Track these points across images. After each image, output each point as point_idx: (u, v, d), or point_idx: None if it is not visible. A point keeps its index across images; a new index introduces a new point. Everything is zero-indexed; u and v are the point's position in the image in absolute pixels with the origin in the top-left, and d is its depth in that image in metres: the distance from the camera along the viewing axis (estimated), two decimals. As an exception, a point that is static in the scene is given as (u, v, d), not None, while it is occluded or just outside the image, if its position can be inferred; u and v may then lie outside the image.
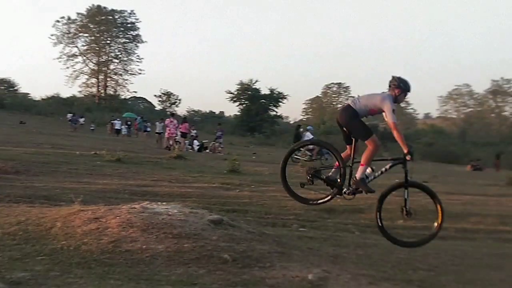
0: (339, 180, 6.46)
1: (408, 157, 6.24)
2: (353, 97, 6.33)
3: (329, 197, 6.54)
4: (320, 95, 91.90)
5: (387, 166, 6.49)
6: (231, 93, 67.47)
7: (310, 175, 6.59)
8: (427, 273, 5.79)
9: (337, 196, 6.53)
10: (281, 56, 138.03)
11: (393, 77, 6.49)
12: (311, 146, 22.41)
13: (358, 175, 6.39)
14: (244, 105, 67.19)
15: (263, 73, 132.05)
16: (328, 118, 72.73)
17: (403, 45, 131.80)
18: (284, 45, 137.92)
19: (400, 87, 6.41)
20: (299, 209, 9.32)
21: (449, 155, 46.80)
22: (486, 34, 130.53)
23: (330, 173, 6.62)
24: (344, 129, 6.51)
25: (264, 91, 66.26)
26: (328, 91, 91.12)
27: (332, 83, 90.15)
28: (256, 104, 65.34)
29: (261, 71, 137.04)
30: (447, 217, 9.73)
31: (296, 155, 21.58)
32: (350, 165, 6.45)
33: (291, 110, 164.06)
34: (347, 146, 6.54)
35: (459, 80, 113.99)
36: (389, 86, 6.49)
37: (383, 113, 6.36)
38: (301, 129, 25.44)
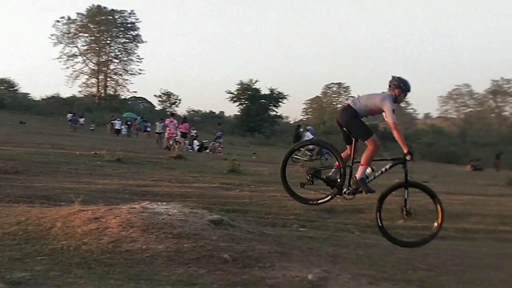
0: (339, 180, 6.48)
1: (408, 157, 6.24)
2: (353, 97, 6.36)
3: (329, 197, 6.55)
4: (320, 95, 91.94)
5: (387, 166, 6.50)
6: (231, 93, 67.53)
7: (310, 175, 6.59)
8: (427, 273, 5.78)
9: (337, 196, 6.54)
10: (281, 56, 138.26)
11: (393, 77, 6.50)
12: (311, 146, 22.40)
13: (358, 175, 6.40)
14: (244, 105, 67.18)
15: (263, 73, 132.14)
16: (328, 118, 72.72)
17: (403, 45, 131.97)
18: (284, 45, 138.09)
19: (400, 87, 6.42)
20: (299, 209, 9.31)
21: (449, 155, 46.82)
22: (486, 34, 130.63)
23: (330, 173, 6.63)
24: (344, 129, 6.52)
25: (264, 91, 66.33)
26: (328, 91, 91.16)
27: (332, 83, 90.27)
28: (256, 104, 65.32)
29: (261, 71, 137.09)
30: (447, 217, 9.73)
31: (296, 155, 21.58)
32: (350, 165, 6.45)
33: (291, 110, 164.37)
34: (347, 146, 6.55)
35: (459, 80, 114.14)
36: (389, 86, 6.50)
37: (383, 113, 6.36)
38: (301, 129, 25.44)
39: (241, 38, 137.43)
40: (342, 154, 6.48)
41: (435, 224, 6.41)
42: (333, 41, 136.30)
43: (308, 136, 23.16)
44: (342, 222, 8.93)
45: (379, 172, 6.48)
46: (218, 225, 5.68)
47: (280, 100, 67.06)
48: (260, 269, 4.84)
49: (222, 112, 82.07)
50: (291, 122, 78.24)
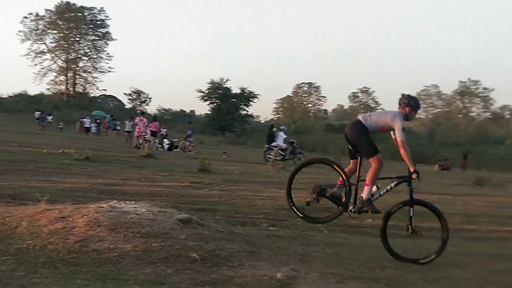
0: (344, 198, 6.54)
1: (414, 176, 6.34)
2: (363, 112, 6.57)
3: (335, 215, 6.62)
4: (291, 95, 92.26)
5: (392, 184, 6.57)
6: (202, 92, 67.30)
7: (315, 194, 6.63)
8: (395, 271, 5.82)
9: (343, 213, 6.61)
10: (253, 55, 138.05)
11: (403, 95, 6.67)
12: (284, 146, 22.60)
13: (364, 195, 6.46)
14: (215, 104, 67.06)
15: (235, 72, 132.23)
16: (299, 117, 73.13)
17: (370, 46, 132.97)
18: (256, 44, 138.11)
19: (410, 105, 6.60)
20: (268, 208, 9.33)
21: (418, 155, 47.44)
22: (455, 35, 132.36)
23: (335, 190, 6.69)
24: (351, 143, 6.63)
25: (235, 90, 66.29)
26: (299, 90, 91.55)
27: (303, 83, 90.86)
28: (227, 103, 65.29)
29: (232, 70, 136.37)
30: (416, 216, 9.86)
31: (270, 154, 21.72)
32: (356, 183, 6.53)
33: (262, 109, 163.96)
34: (351, 161, 6.66)
35: (428, 81, 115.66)
36: (399, 104, 6.65)
37: (392, 131, 6.51)
38: (275, 129, 25.47)
39: (212, 37, 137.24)
40: (345, 170, 6.57)
41: (440, 242, 6.46)
42: (304, 40, 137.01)
43: (282, 136, 23.29)
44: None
45: (384, 190, 6.57)
46: (187, 224, 5.66)
47: (251, 99, 67.15)
48: (228, 268, 4.84)
49: (193, 111, 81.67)
50: (262, 122, 78.49)
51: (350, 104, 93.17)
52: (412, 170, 6.33)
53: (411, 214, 6.50)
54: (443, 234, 6.46)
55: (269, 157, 21.36)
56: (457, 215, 10.22)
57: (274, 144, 23.17)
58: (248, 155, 27.69)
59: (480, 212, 11.10)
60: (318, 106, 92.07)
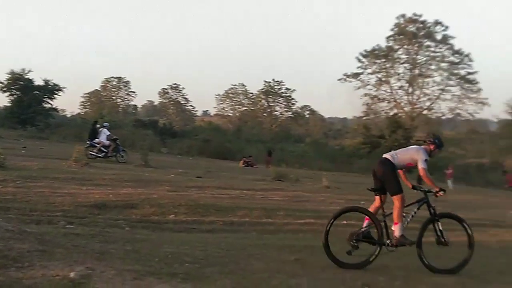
0: (377, 237, 6.90)
1: (440, 193, 6.99)
2: (389, 152, 7.01)
3: (374, 256, 6.82)
4: (99, 89, 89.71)
5: (415, 210, 7.15)
6: (1, 82, 62.53)
7: (353, 241, 6.87)
8: (193, 265, 5.92)
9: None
10: (62, 47, 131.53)
11: (429, 134, 7.52)
12: (107, 143, 22.16)
13: (396, 233, 6.93)
14: (15, 96, 62.69)
15: (39, 63, 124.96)
16: (107, 112, 71.34)
17: (181, 46, 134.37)
18: (64, 36, 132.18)
19: (435, 143, 7.27)
20: (68, 205, 9.05)
21: (225, 152, 49.03)
22: (260, 38, 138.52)
23: (367, 230, 6.99)
24: (377, 179, 7.12)
25: (39, 82, 62.58)
26: (108, 85, 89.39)
27: (112, 77, 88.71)
28: (29, 95, 61.36)
29: (37, 62, 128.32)
30: (216, 211, 10.17)
31: (92, 152, 21.28)
32: (384, 219, 6.99)
33: (69, 103, 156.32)
34: (375, 197, 7.11)
35: (236, 80, 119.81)
36: (424, 141, 7.36)
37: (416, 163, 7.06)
38: (98, 125, 24.70)
39: (16, 27, 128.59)
40: (370, 209, 7.09)
41: (468, 249, 6.96)
42: (114, 36, 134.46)
43: (105, 132, 22.96)
44: (112, 218, 8.81)
45: (410, 216, 7.09)
46: (-30, 224, 5.24)
47: (56, 92, 63.88)
48: (17, 270, 4.56)
49: (-10, 103, 75.64)
50: (68, 116, 75.15)
51: (160, 100, 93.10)
52: (437, 189, 6.99)
53: (440, 228, 7.05)
54: (468, 241, 7.01)
55: (92, 154, 21.41)
56: (256, 209, 10.75)
57: (96, 140, 22.69)
58: (51, 150, 26.28)
59: (277, 206, 11.78)
60: (128, 101, 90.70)
